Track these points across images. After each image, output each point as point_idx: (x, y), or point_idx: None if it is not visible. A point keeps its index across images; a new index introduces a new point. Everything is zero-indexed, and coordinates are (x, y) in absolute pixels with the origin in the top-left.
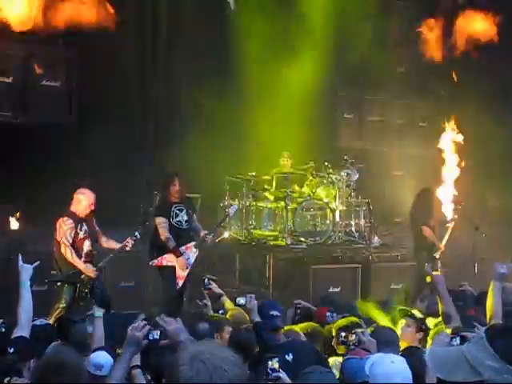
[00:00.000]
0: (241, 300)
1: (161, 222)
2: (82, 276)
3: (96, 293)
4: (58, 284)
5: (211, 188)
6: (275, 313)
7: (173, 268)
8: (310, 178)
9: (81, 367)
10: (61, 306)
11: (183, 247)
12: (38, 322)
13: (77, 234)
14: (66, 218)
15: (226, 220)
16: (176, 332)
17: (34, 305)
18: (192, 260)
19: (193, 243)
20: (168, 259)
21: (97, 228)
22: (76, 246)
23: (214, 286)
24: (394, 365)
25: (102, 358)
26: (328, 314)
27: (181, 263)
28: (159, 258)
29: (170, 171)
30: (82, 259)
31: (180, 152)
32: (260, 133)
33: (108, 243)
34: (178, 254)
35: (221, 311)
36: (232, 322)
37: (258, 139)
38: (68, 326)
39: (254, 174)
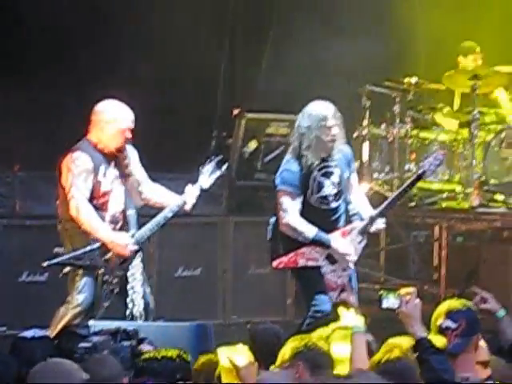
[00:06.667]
0: (390, 298)
1: (285, 197)
2: (108, 255)
3: (132, 288)
4: (66, 270)
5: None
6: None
7: (318, 270)
8: None
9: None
10: (71, 309)
11: (336, 234)
12: (28, 334)
13: (98, 182)
14: (77, 154)
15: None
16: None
17: (25, 306)
18: (357, 254)
19: (356, 225)
20: (308, 255)
21: (134, 171)
22: (97, 203)
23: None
24: None
25: None
26: None
27: (341, 254)
28: (290, 255)
29: (323, 105)
30: (108, 224)
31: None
32: (426, 10)
33: (156, 197)
34: (328, 246)
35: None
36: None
37: (422, 21)
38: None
39: (414, 79)
